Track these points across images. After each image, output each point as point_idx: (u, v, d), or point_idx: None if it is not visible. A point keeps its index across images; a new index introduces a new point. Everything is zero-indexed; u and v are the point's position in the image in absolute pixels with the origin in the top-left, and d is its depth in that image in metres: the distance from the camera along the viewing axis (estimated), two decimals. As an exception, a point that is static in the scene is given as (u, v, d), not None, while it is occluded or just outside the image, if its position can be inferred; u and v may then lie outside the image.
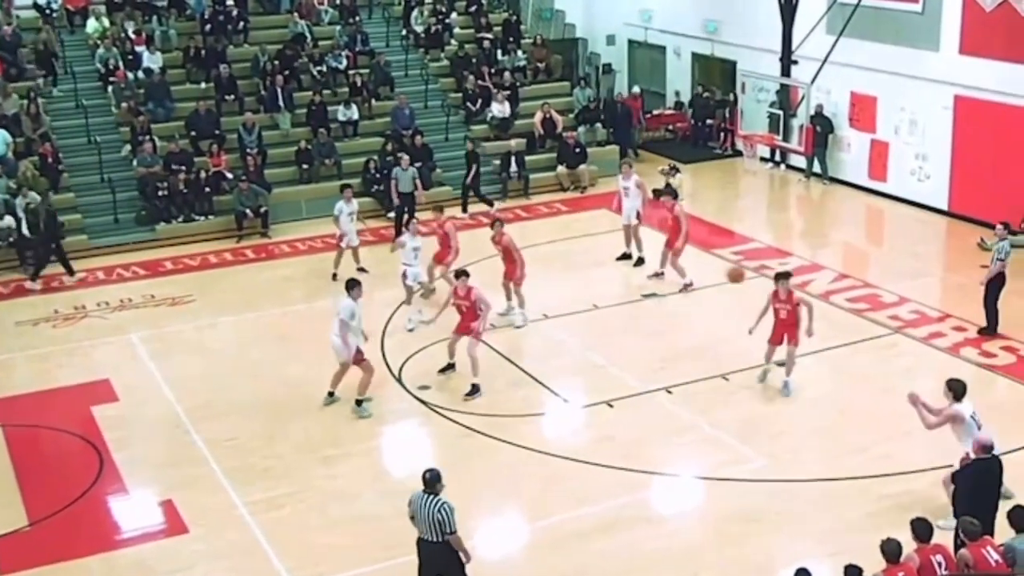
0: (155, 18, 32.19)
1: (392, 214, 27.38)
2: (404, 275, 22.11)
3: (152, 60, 30.61)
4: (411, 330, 21.34)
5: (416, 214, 26.72)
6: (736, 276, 21.37)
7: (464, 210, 28.74)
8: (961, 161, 27.37)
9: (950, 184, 27.72)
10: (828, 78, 28.71)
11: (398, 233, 25.96)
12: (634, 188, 24.54)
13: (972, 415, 14.62)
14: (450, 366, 19.53)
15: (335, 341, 18.19)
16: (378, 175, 28.59)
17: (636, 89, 35.50)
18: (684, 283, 23.21)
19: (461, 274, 19.45)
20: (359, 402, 18.38)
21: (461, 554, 12.74)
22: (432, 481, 12.69)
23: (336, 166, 29.42)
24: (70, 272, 25.16)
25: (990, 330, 20.71)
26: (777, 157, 32.33)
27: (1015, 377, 19.27)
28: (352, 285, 18.42)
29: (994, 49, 25.96)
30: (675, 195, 28.63)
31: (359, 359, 18.29)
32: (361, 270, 23.79)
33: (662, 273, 23.68)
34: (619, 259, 24.84)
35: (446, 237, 22.71)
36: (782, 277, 18.78)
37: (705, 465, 16.64)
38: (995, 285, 20.51)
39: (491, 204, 29.06)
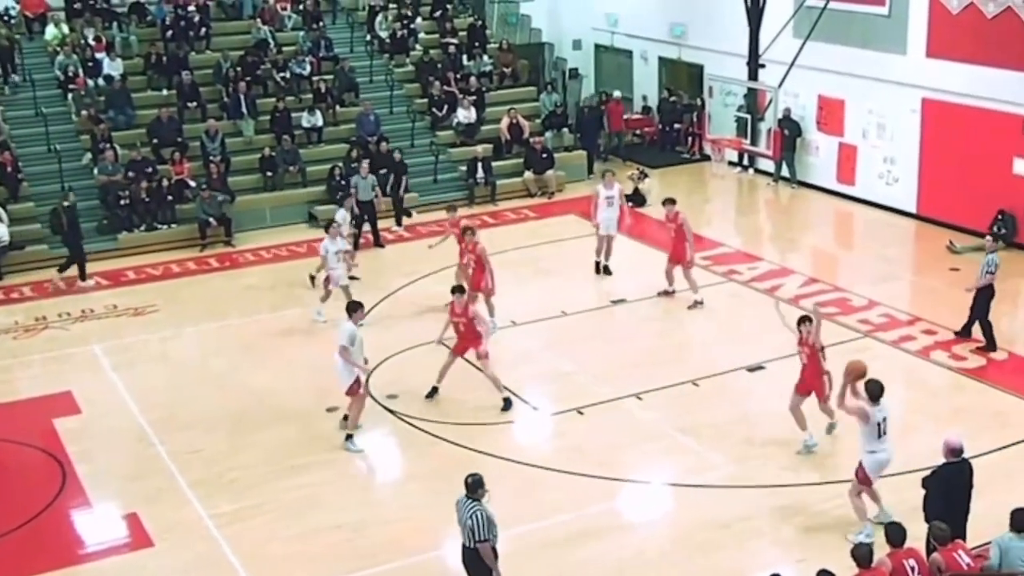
0: (115, 24, 32.06)
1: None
2: (327, 279, 22.24)
3: (112, 67, 30.49)
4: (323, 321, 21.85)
5: (377, 222, 26.80)
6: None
7: (399, 223, 28.66)
8: (929, 164, 27.55)
9: (918, 187, 27.91)
10: (796, 82, 28.81)
11: (356, 244, 25.99)
12: (617, 198, 24.41)
13: (880, 421, 14.61)
14: (435, 390, 19.07)
15: (338, 364, 17.68)
16: (343, 182, 28.56)
17: (617, 93, 35.42)
18: (696, 299, 22.61)
19: (457, 290, 19.16)
20: (349, 437, 17.70)
21: (488, 562, 12.76)
22: (474, 486, 12.71)
23: (300, 173, 29.38)
24: (83, 277, 25.44)
25: (990, 347, 20.33)
26: (745, 161, 32.49)
27: (985, 380, 19.41)
28: (353, 308, 17.88)
29: (961, 52, 26.15)
30: (643, 201, 28.85)
31: (354, 390, 17.59)
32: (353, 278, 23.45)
33: (673, 291, 23.10)
34: (601, 272, 24.68)
35: (480, 262, 21.55)
36: (803, 321, 17.03)
37: (675, 472, 16.68)
38: (984, 298, 20.26)
39: (408, 215, 28.98)
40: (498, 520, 12.71)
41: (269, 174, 29.11)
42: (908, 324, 21.77)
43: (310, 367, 20.39)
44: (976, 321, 20.52)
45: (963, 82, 26.16)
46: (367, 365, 18.09)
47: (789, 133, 30.33)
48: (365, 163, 27.53)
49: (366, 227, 26.97)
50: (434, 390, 19.12)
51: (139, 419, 18.69)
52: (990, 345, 20.32)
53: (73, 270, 25.21)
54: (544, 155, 31.22)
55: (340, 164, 29.13)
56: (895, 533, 12.33)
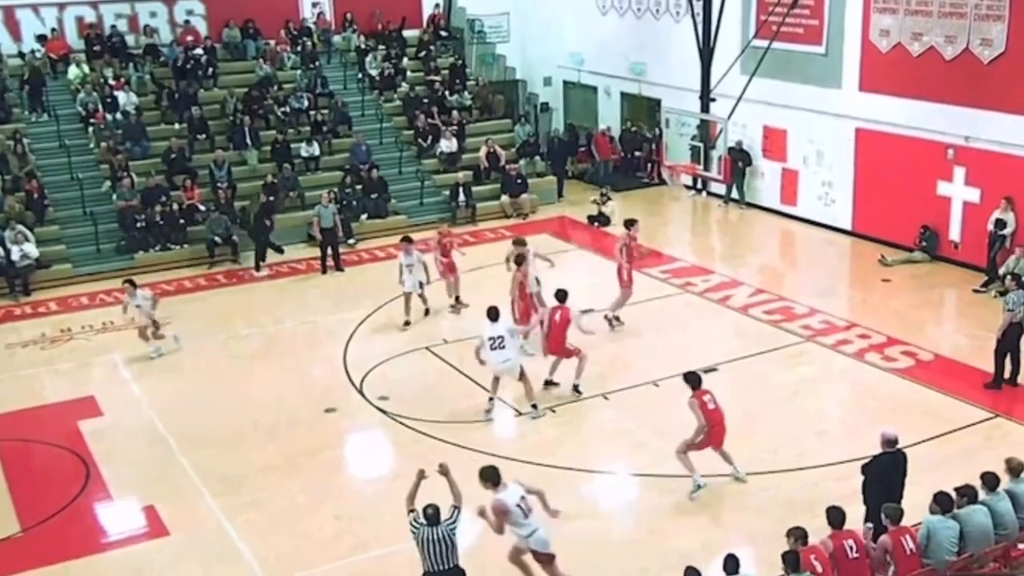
0: (131, 64, 31.95)
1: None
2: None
3: (129, 103, 30.42)
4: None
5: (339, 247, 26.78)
6: None
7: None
8: (863, 187, 27.67)
9: (853, 207, 28.03)
10: (743, 114, 28.86)
11: (323, 268, 26.03)
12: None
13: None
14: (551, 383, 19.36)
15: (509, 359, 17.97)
16: (339, 205, 28.55)
17: (604, 126, 35.41)
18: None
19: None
20: (534, 406, 18.35)
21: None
22: (435, 515, 12.32)
23: (299, 197, 29.33)
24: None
25: (996, 384, 18.78)
26: (699, 185, 32.55)
27: (913, 379, 19.49)
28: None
29: (890, 86, 26.30)
30: (608, 221, 28.88)
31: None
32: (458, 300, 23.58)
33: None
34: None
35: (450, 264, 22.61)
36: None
37: (638, 464, 16.74)
38: (1013, 336, 18.63)
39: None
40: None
41: (271, 199, 29.03)
42: (845, 329, 21.85)
43: (309, 374, 20.47)
44: (1001, 365, 18.86)
45: (892, 113, 26.29)
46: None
47: (741, 163, 30.45)
48: (326, 193, 27.32)
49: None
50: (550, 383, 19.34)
51: (156, 421, 18.65)
52: (996, 382, 18.80)
53: (44, 295, 25.36)
54: (518, 180, 31.26)
55: (335, 189, 29.01)
56: (835, 516, 12.40)
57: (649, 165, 34.45)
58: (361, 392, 19.50)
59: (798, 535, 12.07)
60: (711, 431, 15.58)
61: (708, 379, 19.21)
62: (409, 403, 18.83)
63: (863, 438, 16.86)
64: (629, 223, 22.58)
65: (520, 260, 20.93)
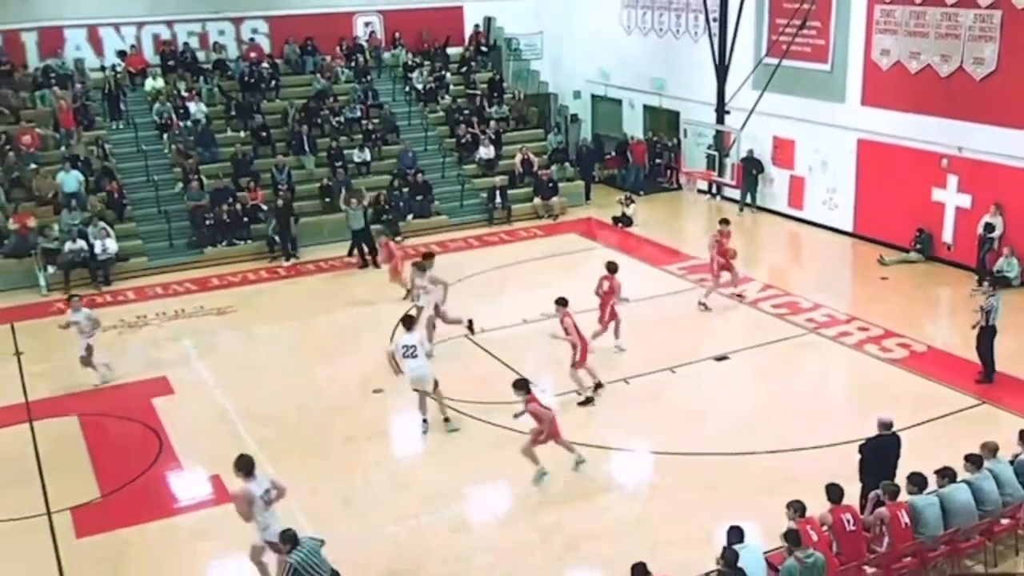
0: (201, 78, 32.16)
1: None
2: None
3: (199, 112, 30.59)
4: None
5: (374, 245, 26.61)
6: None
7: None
8: (863, 192, 27.55)
9: (854, 211, 27.91)
10: (755, 125, 28.79)
11: (363, 262, 26.18)
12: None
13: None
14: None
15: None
16: (387, 206, 28.66)
17: (638, 135, 35.37)
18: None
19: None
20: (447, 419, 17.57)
21: None
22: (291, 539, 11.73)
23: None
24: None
25: (987, 377, 18.47)
26: (713, 190, 32.46)
27: (908, 368, 19.44)
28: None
29: (890, 101, 26.17)
30: (630, 222, 28.88)
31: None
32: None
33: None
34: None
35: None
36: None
37: (658, 443, 16.74)
38: (987, 339, 18.33)
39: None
40: (498, 480, 12.63)
41: (327, 199, 29.23)
42: (846, 322, 21.78)
43: (359, 359, 20.48)
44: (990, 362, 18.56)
45: (891, 126, 26.16)
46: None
47: (755, 171, 30.33)
48: (355, 198, 27.27)
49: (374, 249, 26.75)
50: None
51: (222, 400, 18.84)
52: (987, 376, 18.48)
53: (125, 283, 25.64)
54: (550, 184, 31.26)
55: (384, 192, 29.19)
56: (834, 492, 12.41)
57: (668, 172, 34.39)
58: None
59: (796, 507, 12.11)
60: (551, 426, 15.44)
61: (720, 367, 19.47)
62: (450, 386, 18.78)
63: (861, 421, 16.86)
64: (722, 222, 23.05)
65: (613, 269, 20.15)
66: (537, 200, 31.12)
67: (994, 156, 23.79)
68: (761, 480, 15.40)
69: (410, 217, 29.54)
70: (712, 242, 22.82)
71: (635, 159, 34.62)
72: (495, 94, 34.74)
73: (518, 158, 32.11)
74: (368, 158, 30.87)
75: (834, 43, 27.67)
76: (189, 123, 30.31)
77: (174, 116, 30.29)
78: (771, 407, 17.88)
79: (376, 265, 26.43)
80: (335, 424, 17.72)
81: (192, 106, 30.69)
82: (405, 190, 29.58)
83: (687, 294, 23.49)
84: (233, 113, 31.31)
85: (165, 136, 30.03)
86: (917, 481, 12.68)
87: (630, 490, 15.67)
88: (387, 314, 22.35)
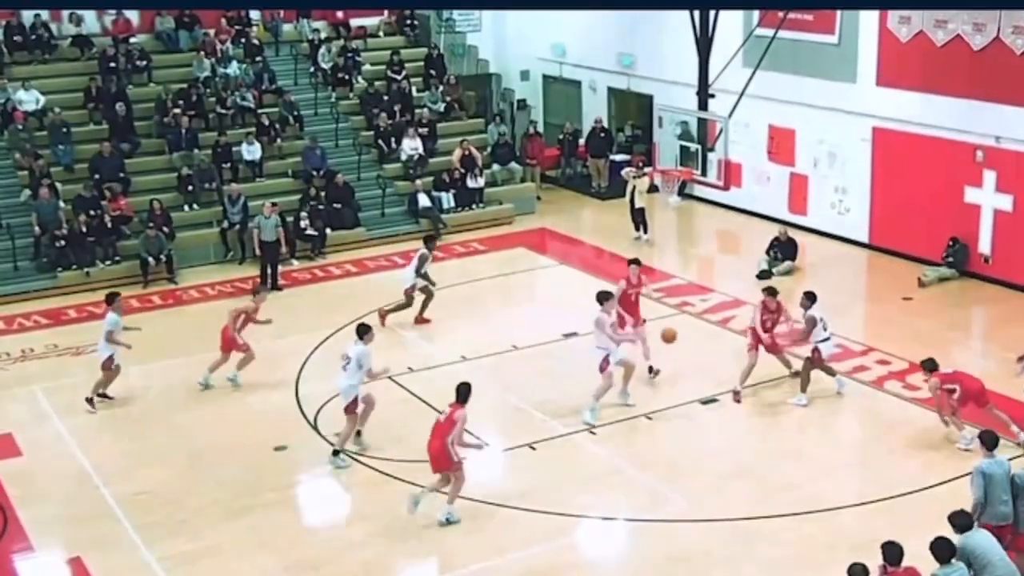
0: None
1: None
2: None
3: (31, 100, 30.39)
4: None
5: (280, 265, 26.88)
6: (667, 337, 20.67)
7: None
8: (881, 193, 27.94)
9: (870, 217, 28.30)
10: (746, 111, 29.04)
11: (263, 284, 26.00)
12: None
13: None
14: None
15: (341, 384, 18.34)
16: (309, 219, 28.80)
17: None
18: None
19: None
20: (336, 452, 18.30)
21: None
22: None
23: (244, 208, 29.22)
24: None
25: None
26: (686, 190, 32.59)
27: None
28: (364, 331, 18.51)
29: (911, 80, 26.58)
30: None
31: (351, 408, 18.26)
32: None
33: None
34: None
35: None
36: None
37: (629, 507, 16.84)
38: None
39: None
40: (449, 559, 12.70)
41: (189, 190, 29.34)
42: (862, 354, 22.01)
43: (256, 406, 20.47)
44: None
45: (913, 111, 26.58)
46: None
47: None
48: (268, 204, 27.43)
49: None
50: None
51: (83, 461, 18.61)
52: None
53: None
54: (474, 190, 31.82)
55: (310, 203, 29.33)
56: (892, 552, 12.45)
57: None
58: (315, 427, 19.56)
59: (856, 572, 12.20)
60: None
61: (707, 412, 19.62)
62: (370, 439, 18.84)
63: (881, 475, 17.11)
64: (767, 291, 21.13)
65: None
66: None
67: (1040, 147, 24.28)
68: (766, 549, 15.52)
69: (328, 231, 29.57)
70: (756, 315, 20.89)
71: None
72: (433, 74, 34.91)
73: (457, 154, 32.22)
74: (259, 154, 30.83)
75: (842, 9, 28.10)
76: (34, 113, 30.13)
77: (18, 106, 30.06)
78: (773, 460, 18.01)
79: (278, 289, 26.49)
80: (227, 491, 17.59)
81: (23, 94, 30.43)
82: (265, 203, 28.32)
83: (665, 322, 23.58)
84: (92, 102, 31.16)
85: (5, 132, 29.83)
86: (943, 548, 12.73)
87: (600, 563, 15.73)
88: (293, 351, 22.27)
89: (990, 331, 23.99)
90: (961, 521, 12.84)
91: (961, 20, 25.26)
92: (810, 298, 19.78)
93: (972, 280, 25.70)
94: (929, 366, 18.32)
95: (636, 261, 21.76)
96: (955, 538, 12.57)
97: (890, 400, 20.14)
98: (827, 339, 19.84)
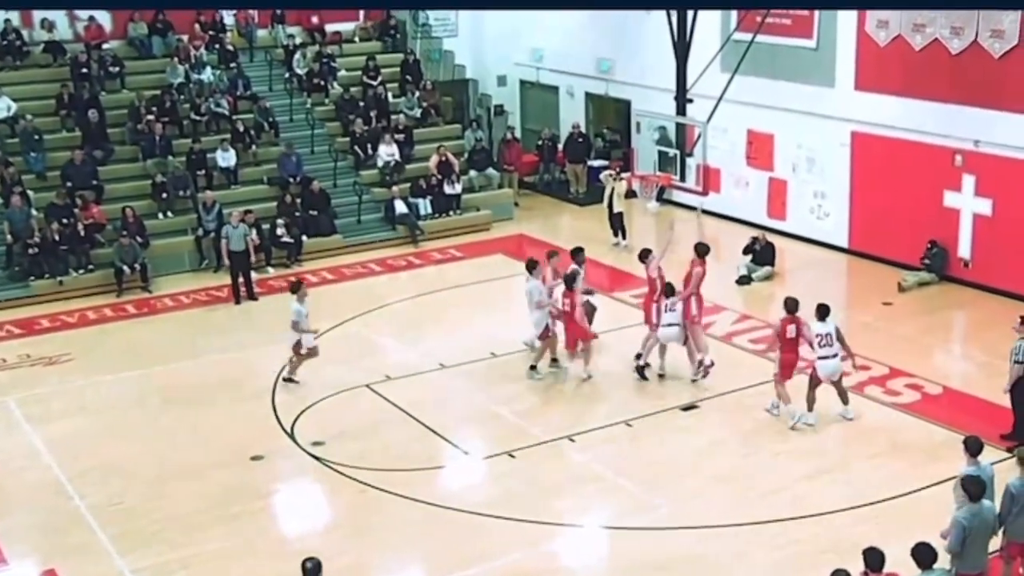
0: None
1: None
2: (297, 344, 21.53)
3: (3, 106, 30.28)
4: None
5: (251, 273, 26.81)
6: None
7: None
8: (860, 198, 28.01)
9: (849, 221, 28.37)
10: (724, 116, 29.14)
11: (235, 297, 26.06)
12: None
13: None
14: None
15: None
16: (285, 227, 28.66)
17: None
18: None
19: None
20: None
21: None
22: (313, 571, 12.38)
23: (218, 216, 29.07)
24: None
25: (1019, 435, 18.01)
26: (664, 195, 32.62)
27: (920, 415, 19.70)
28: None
29: (890, 84, 26.65)
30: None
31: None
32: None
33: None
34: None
35: None
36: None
37: (611, 514, 16.83)
38: (1020, 390, 18.21)
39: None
40: (429, 568, 12.70)
41: (163, 196, 29.22)
42: (842, 359, 21.97)
43: (233, 416, 20.38)
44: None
45: (892, 115, 26.66)
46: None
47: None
48: (236, 212, 27.35)
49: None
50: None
51: (56, 472, 18.50)
52: (1019, 433, 18.12)
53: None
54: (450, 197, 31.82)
55: (251, 208, 28.97)
56: (874, 558, 12.41)
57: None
58: (292, 436, 19.49)
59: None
60: None
61: (688, 417, 19.63)
62: (347, 449, 18.80)
63: (863, 481, 17.13)
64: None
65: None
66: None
67: (1020, 151, 24.31)
68: (750, 557, 15.52)
69: (304, 238, 29.49)
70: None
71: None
72: (408, 78, 34.88)
73: (434, 160, 32.18)
74: (234, 161, 30.74)
75: (820, 13, 28.14)
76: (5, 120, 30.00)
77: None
78: (754, 465, 18.01)
79: (253, 298, 26.36)
80: (203, 501, 17.50)
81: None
82: (231, 212, 28.22)
83: (641, 329, 23.57)
84: (65, 110, 31.02)
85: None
86: (925, 554, 12.71)
87: (581, 571, 15.68)
88: (270, 360, 22.21)
89: (970, 335, 24.06)
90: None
91: (939, 24, 25.33)
92: (821, 312, 19.14)
93: (952, 284, 25.77)
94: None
95: (554, 253, 22.57)
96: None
97: (871, 405, 20.14)
98: (828, 358, 18.95)
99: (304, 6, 35.24)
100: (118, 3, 32.28)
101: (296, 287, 21.55)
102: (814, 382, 19.18)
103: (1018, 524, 13.58)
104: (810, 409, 19.22)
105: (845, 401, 19.50)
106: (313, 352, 21.35)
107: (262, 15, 35.49)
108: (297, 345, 21.18)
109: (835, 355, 19.03)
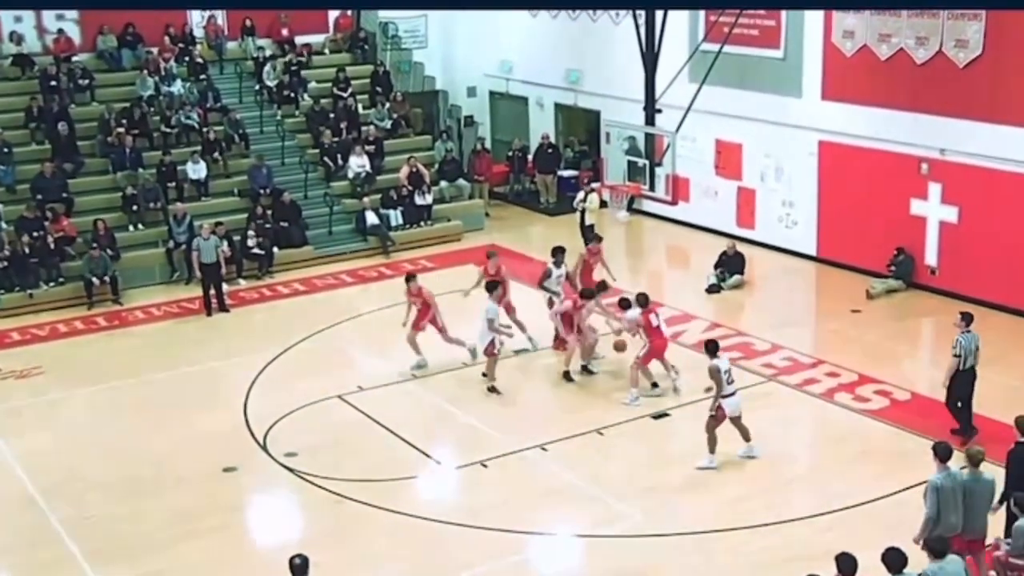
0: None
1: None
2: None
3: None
4: None
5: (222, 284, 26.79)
6: (619, 347, 21.73)
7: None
8: (828, 206, 28.17)
9: (818, 230, 28.52)
10: (693, 126, 29.17)
11: (207, 309, 26.02)
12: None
13: None
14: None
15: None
16: (257, 238, 28.64)
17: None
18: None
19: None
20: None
21: None
22: (301, 567, 12.46)
23: (189, 227, 29.03)
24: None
25: (964, 432, 18.45)
26: (634, 205, 32.67)
27: (889, 421, 19.81)
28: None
29: (856, 94, 26.83)
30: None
31: (489, 351, 21.29)
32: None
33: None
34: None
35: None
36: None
37: (583, 523, 16.85)
38: (965, 383, 18.61)
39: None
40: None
41: (134, 209, 29.17)
42: (811, 367, 22.16)
43: (205, 428, 20.32)
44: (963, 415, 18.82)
45: (859, 124, 26.83)
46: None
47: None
48: (206, 224, 27.29)
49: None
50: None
51: (28, 486, 18.41)
52: (964, 430, 18.60)
53: None
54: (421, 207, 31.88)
55: (257, 222, 29.19)
56: (847, 564, 12.47)
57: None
58: (265, 448, 19.46)
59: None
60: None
61: (658, 426, 19.69)
62: (320, 461, 18.79)
63: (832, 487, 17.21)
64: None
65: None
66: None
67: (985, 159, 24.49)
68: (719, 563, 15.60)
69: (275, 250, 29.48)
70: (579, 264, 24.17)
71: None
72: (378, 90, 34.89)
73: (404, 171, 32.19)
74: (204, 173, 30.70)
75: (787, 24, 28.36)
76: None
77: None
78: (725, 473, 18.05)
79: (225, 310, 26.32)
80: (177, 514, 17.45)
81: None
82: (202, 224, 28.07)
83: (609, 338, 23.65)
84: (34, 122, 30.89)
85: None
86: (895, 559, 12.82)
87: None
88: (241, 372, 22.18)
89: (938, 342, 24.15)
90: (937, 546, 12.93)
91: (904, 34, 25.50)
92: (711, 349, 18.20)
93: (919, 292, 25.92)
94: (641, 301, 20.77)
95: (493, 253, 24.05)
96: (931, 565, 12.67)
97: (840, 412, 20.25)
98: (732, 394, 18.09)
99: (285, 6, 35.24)
100: (118, 3, 32.22)
101: (492, 286, 21.95)
102: (718, 421, 18.18)
103: (969, 519, 13.77)
104: (712, 451, 18.24)
105: (747, 438, 18.44)
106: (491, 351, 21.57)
107: (231, 28, 35.42)
108: (491, 345, 21.35)
109: (736, 391, 18.37)
